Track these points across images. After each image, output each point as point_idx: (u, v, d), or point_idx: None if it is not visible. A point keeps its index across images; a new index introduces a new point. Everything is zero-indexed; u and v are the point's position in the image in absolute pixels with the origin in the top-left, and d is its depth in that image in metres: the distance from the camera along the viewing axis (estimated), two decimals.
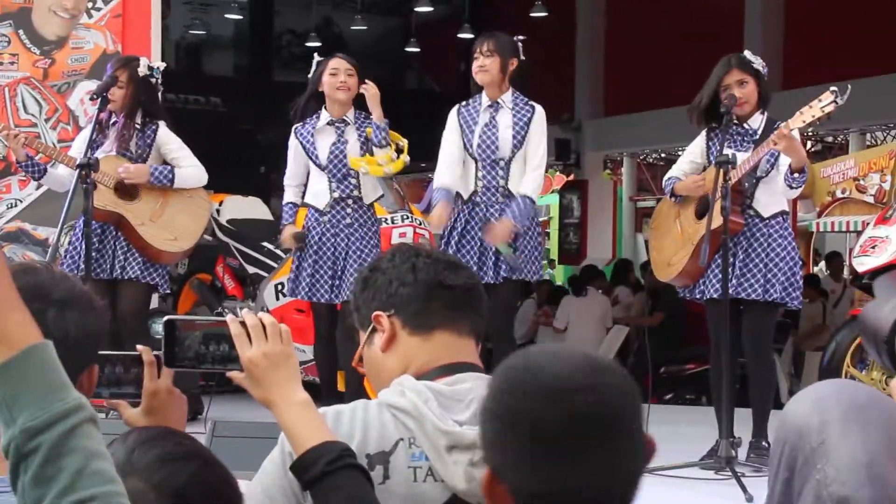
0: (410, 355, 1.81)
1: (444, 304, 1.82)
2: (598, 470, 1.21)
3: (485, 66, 4.90)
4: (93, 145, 4.93)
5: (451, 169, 4.97)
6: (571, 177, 16.60)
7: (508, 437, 1.22)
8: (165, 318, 1.73)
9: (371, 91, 4.99)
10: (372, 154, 4.99)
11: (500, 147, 4.89)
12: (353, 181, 5.05)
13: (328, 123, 5.07)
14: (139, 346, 1.83)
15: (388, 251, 1.91)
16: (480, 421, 1.27)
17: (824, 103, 4.49)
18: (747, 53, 4.83)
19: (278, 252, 6.68)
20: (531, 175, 4.92)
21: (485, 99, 4.96)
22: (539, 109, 4.96)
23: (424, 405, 1.71)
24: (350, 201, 5.06)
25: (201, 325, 1.73)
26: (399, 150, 5.02)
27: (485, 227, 4.84)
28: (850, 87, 4.51)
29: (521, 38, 5.08)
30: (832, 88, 4.51)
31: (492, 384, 1.27)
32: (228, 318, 1.71)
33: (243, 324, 1.68)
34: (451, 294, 1.82)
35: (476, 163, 4.93)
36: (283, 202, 5.22)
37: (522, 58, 5.01)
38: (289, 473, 1.66)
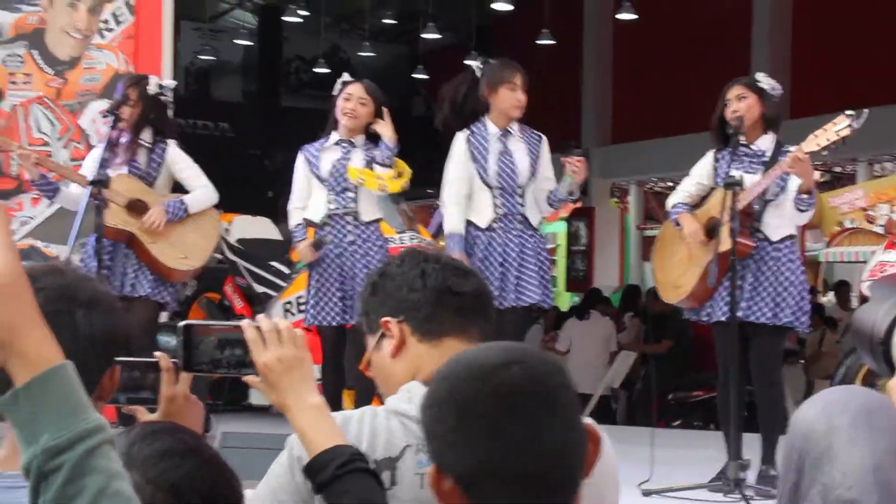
0: (419, 362, 1.81)
1: (453, 310, 1.82)
2: (528, 444, 1.21)
3: (523, 102, 4.91)
4: (104, 164, 4.96)
5: (460, 206, 4.95)
6: (579, 204, 16.61)
7: (441, 423, 1.24)
8: (182, 322, 1.75)
9: (386, 115, 5.01)
10: (372, 168, 5.00)
11: (518, 174, 4.90)
12: (351, 195, 5.05)
13: (336, 143, 5.10)
14: (157, 353, 1.84)
15: (396, 256, 1.91)
16: (420, 417, 1.30)
17: (840, 127, 4.48)
18: (759, 75, 4.86)
19: (286, 271, 6.69)
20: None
21: (492, 127, 4.92)
22: (544, 138, 5.05)
23: None
24: (349, 217, 5.06)
25: (216, 329, 1.74)
26: (400, 174, 5.04)
27: (572, 160, 4.84)
28: (866, 111, 4.50)
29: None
30: (848, 112, 4.50)
31: (431, 382, 1.30)
32: (244, 322, 1.72)
33: (258, 328, 1.69)
34: (460, 300, 1.83)
35: (492, 191, 4.92)
36: (292, 225, 5.21)
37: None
38: (297, 476, 1.67)
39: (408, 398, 1.75)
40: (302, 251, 5.10)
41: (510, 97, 4.88)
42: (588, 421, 1.30)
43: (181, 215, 5.20)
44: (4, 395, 1.07)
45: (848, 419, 1.47)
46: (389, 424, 1.74)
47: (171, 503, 1.32)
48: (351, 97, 5.05)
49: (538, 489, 1.22)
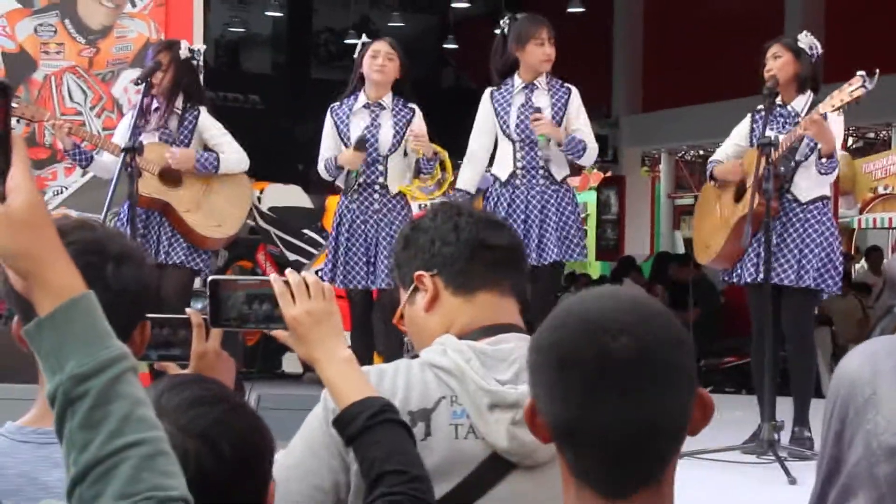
0: (453, 315, 1.81)
1: (486, 264, 1.81)
2: (621, 412, 1.18)
3: (551, 56, 4.95)
4: (136, 131, 4.97)
5: (471, 164, 5.08)
6: (609, 173, 16.54)
7: (542, 368, 1.23)
8: (209, 278, 1.76)
9: (416, 143, 5.00)
10: (418, 176, 5.09)
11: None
12: (381, 168, 5.08)
13: (364, 106, 5.11)
14: (188, 309, 1.85)
15: (429, 209, 1.90)
16: (527, 351, 1.28)
17: (853, 87, 4.48)
18: (802, 35, 4.83)
19: (319, 239, 6.72)
20: (589, 143, 4.98)
21: (518, 81, 4.99)
22: (575, 90, 5.00)
23: (466, 364, 1.72)
24: (377, 187, 5.09)
25: (244, 285, 1.75)
26: (443, 171, 5.11)
27: (532, 115, 4.87)
28: (878, 72, 4.49)
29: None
30: (860, 73, 4.49)
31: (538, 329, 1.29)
32: (272, 277, 1.73)
33: (287, 283, 1.70)
34: (493, 254, 1.82)
35: (514, 144, 4.96)
36: (321, 162, 5.18)
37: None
38: (332, 429, 1.67)
39: (442, 350, 1.75)
40: (349, 158, 5.05)
41: (538, 52, 4.92)
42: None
43: (209, 169, 5.20)
44: (29, 324, 1.09)
45: (892, 364, 1.46)
46: (424, 377, 1.74)
47: (203, 451, 1.33)
48: (378, 53, 5.07)
49: (626, 455, 1.19)
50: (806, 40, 4.76)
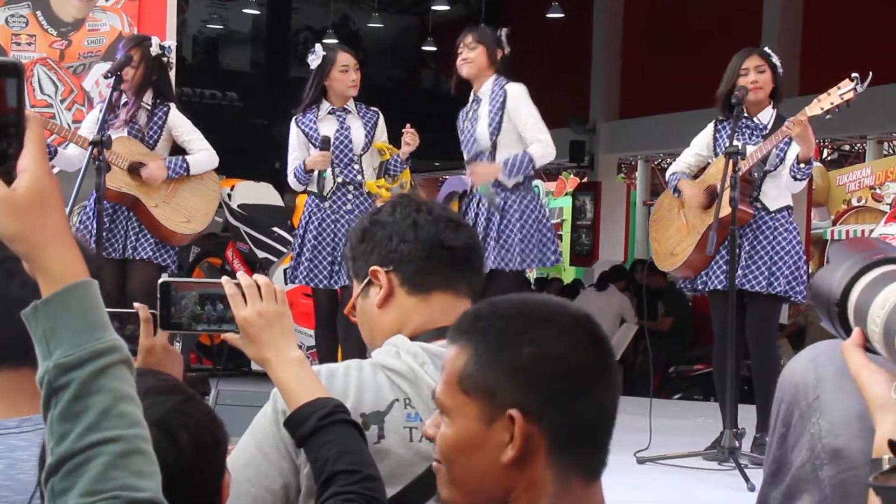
0: (407, 315, 1.79)
1: (443, 264, 1.80)
2: (614, 390, 1.31)
3: (468, 58, 4.93)
4: (104, 125, 4.95)
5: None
6: (585, 179, 16.58)
7: (551, 365, 1.26)
8: (160, 280, 1.75)
9: (412, 138, 5.01)
10: (382, 177, 5.14)
11: (478, 140, 4.96)
12: (357, 167, 5.10)
13: (330, 112, 5.14)
14: (136, 304, 1.84)
15: (388, 203, 1.88)
16: (491, 356, 1.27)
17: (843, 90, 4.47)
18: (766, 49, 4.86)
19: (288, 237, 6.70)
20: (536, 142, 4.91)
21: (472, 96, 5.04)
22: (512, 88, 4.93)
23: (420, 367, 1.71)
24: (351, 187, 5.10)
25: (197, 284, 1.75)
26: (401, 187, 5.15)
27: (470, 165, 4.89)
28: (871, 73, 4.49)
29: (505, 29, 5.11)
30: (853, 75, 4.49)
31: (504, 319, 1.29)
32: (224, 278, 1.73)
33: (238, 285, 1.70)
34: (451, 254, 1.80)
35: (468, 155, 5.05)
36: (290, 168, 5.20)
37: (507, 49, 5.04)
38: (282, 429, 1.66)
39: (395, 352, 1.74)
40: (317, 159, 5.06)
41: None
42: None
43: (181, 173, 5.19)
44: (27, 307, 1.09)
45: (834, 369, 1.47)
46: (377, 379, 1.73)
47: (160, 439, 1.32)
48: (348, 68, 5.10)
49: (610, 433, 1.30)
50: (775, 57, 4.80)
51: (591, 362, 1.29)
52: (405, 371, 1.71)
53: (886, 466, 1.13)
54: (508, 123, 4.91)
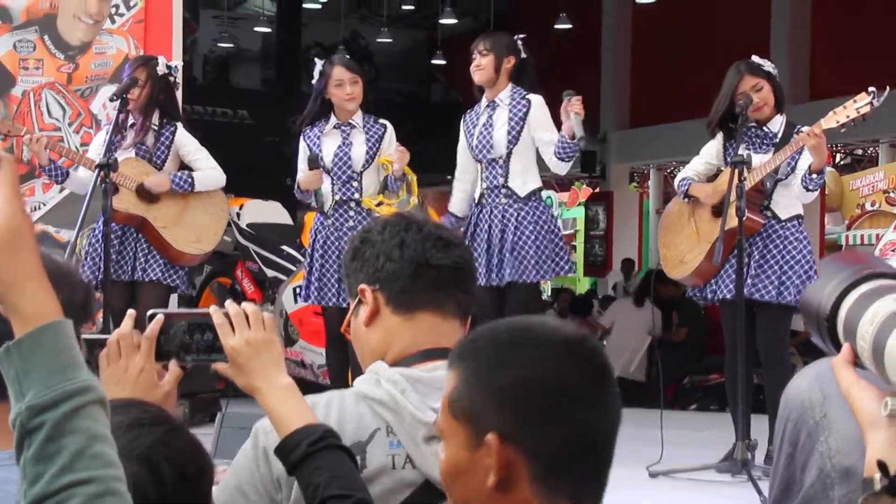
0: (393, 334, 1.79)
1: (429, 283, 1.78)
2: (608, 415, 1.28)
3: (480, 65, 4.93)
4: (111, 147, 4.97)
5: (459, 184, 5.11)
6: (597, 189, 16.57)
7: (530, 388, 1.24)
8: (148, 311, 1.75)
9: (401, 156, 5.00)
10: (383, 193, 5.10)
11: (494, 146, 4.93)
12: (356, 184, 5.10)
13: (335, 127, 5.14)
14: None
15: (380, 221, 1.87)
16: (476, 382, 1.26)
17: (860, 104, 4.44)
18: (755, 58, 4.82)
19: (297, 255, 6.71)
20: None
21: (484, 101, 5.01)
22: (536, 100, 4.94)
23: (401, 395, 1.70)
24: (353, 204, 5.10)
25: (186, 315, 1.74)
26: (408, 194, 5.11)
27: (571, 102, 4.77)
28: (888, 88, 4.46)
29: (521, 36, 5.10)
30: (870, 89, 4.46)
31: (492, 343, 1.29)
32: (212, 308, 1.72)
33: (227, 314, 1.69)
34: (437, 273, 1.78)
35: (479, 163, 4.99)
36: (297, 185, 5.24)
37: (523, 55, 5.03)
38: (261, 468, 1.67)
39: (375, 380, 1.73)
40: (306, 178, 5.07)
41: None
42: None
43: (185, 188, 5.20)
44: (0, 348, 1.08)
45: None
46: (358, 409, 1.72)
47: (142, 473, 1.32)
48: (343, 82, 5.08)
49: (607, 458, 1.28)
50: (766, 63, 4.77)
51: (581, 386, 1.26)
52: (386, 400, 1.70)
53: (878, 487, 1.11)
54: (527, 133, 4.91)
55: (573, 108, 4.77)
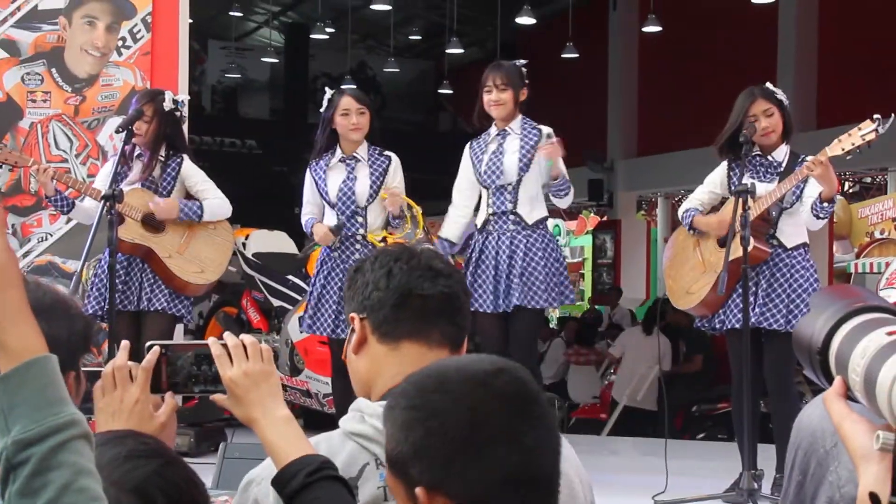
0: (378, 364, 1.80)
1: (414, 313, 1.79)
2: (539, 447, 1.26)
3: (500, 100, 4.95)
4: (117, 178, 4.99)
5: (455, 211, 5.12)
6: (604, 217, 16.57)
7: (445, 437, 1.24)
8: (148, 343, 1.76)
9: (391, 200, 5.01)
10: (386, 228, 5.13)
11: (505, 172, 4.95)
12: (360, 219, 5.11)
13: (340, 160, 5.15)
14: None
15: (377, 251, 1.90)
16: (401, 437, 1.27)
17: (865, 131, 4.44)
18: (769, 85, 4.82)
19: (303, 285, 6.71)
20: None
21: (493, 129, 5.04)
22: (546, 130, 4.99)
23: None
24: (358, 237, 5.11)
25: (192, 346, 1.76)
26: (414, 226, 5.12)
27: (544, 145, 4.83)
28: (893, 115, 4.46)
29: (522, 62, 5.14)
30: (875, 116, 4.46)
31: (406, 396, 1.29)
32: (210, 340, 1.74)
33: (225, 345, 1.71)
34: (422, 302, 1.79)
35: (486, 190, 5.00)
36: (303, 219, 5.24)
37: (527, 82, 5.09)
38: None
39: (360, 417, 1.74)
40: (321, 236, 5.10)
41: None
42: None
43: (192, 217, 5.22)
44: None
45: None
46: (346, 447, 1.73)
47: None
48: (349, 111, 5.10)
49: (544, 492, 1.26)
50: (779, 92, 4.77)
51: (496, 422, 1.25)
52: (372, 434, 1.70)
53: None
54: (536, 163, 4.94)
55: (543, 151, 4.83)
